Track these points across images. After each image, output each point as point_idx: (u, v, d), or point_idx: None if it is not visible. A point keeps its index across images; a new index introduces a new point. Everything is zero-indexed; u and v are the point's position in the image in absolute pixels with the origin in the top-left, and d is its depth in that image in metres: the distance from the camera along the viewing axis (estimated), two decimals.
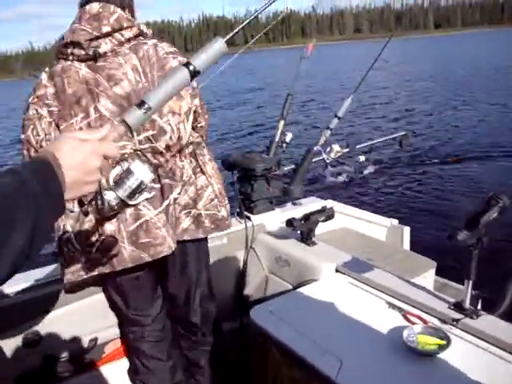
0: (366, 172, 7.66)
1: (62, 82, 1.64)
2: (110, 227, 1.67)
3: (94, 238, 1.69)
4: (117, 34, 1.64)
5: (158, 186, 1.74)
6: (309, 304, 1.85)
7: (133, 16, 1.75)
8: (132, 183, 1.07)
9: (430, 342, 1.49)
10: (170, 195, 1.77)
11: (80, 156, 0.87)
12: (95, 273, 1.75)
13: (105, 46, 1.63)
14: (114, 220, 1.67)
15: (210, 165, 1.92)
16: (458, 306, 1.65)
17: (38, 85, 1.68)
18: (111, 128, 0.98)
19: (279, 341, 1.65)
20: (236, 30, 1.11)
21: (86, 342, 2.27)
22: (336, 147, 2.67)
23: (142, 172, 1.08)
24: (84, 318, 2.22)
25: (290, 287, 2.29)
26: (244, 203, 2.63)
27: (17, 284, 2.09)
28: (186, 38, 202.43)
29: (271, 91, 21.19)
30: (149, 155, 1.72)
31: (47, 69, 1.71)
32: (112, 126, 0.99)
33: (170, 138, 1.73)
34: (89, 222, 1.68)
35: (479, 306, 1.64)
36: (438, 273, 2.62)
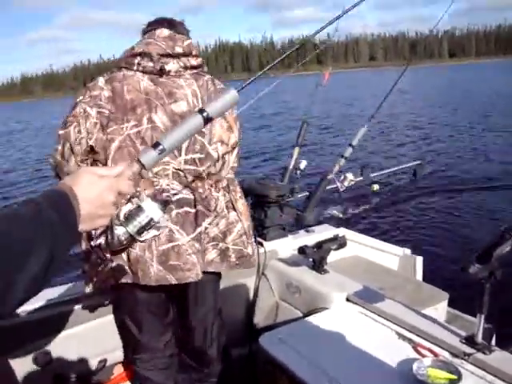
0: (379, 201, 7.63)
1: (122, 87, 1.71)
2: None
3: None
4: (184, 58, 1.78)
5: (193, 210, 1.76)
6: (319, 332, 1.84)
7: None
8: (142, 220, 1.10)
9: (440, 376, 1.47)
10: (203, 223, 1.78)
11: (96, 190, 0.92)
12: (118, 281, 1.75)
13: (172, 65, 1.76)
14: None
15: (241, 201, 1.93)
16: (469, 340, 1.63)
17: (93, 86, 1.74)
18: (127, 166, 1.04)
19: (288, 369, 1.64)
20: (249, 82, 1.22)
21: (95, 363, 2.28)
22: (350, 176, 2.69)
23: (152, 210, 1.11)
24: (94, 338, 2.23)
25: (301, 315, 2.29)
26: (257, 229, 2.65)
27: (29, 303, 2.11)
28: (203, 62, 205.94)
29: (287, 117, 21.35)
30: (189, 177, 1.76)
31: (105, 74, 1.79)
32: (128, 164, 1.04)
33: (214, 165, 1.80)
34: None
35: (493, 341, 1.62)
36: (450, 304, 2.59)
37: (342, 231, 2.95)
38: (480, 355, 1.56)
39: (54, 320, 2.15)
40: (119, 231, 1.09)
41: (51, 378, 2.18)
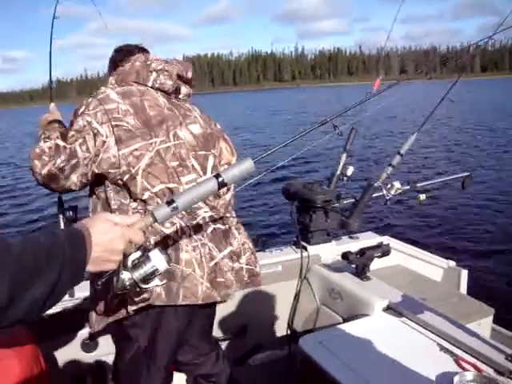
0: (424, 211, 7.48)
1: (142, 102, 1.65)
2: (193, 257, 1.61)
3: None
4: (188, 85, 1.85)
5: (223, 227, 1.74)
6: (359, 339, 1.85)
7: None
8: (148, 269, 1.17)
9: None
10: (233, 241, 1.77)
11: (109, 237, 1.01)
12: (161, 303, 1.58)
13: (183, 88, 1.81)
14: (196, 252, 1.62)
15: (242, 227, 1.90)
16: None
17: (105, 99, 1.62)
18: (140, 218, 1.13)
19: (327, 372, 1.66)
20: (266, 154, 1.34)
21: None
22: (397, 184, 2.67)
23: (158, 260, 1.17)
24: None
25: (341, 320, 2.30)
26: (301, 233, 2.67)
27: (79, 290, 2.20)
28: (235, 71, 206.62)
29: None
30: (211, 197, 1.71)
31: (110, 86, 1.70)
32: (141, 216, 1.12)
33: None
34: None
35: None
36: (495, 320, 2.54)
37: (385, 239, 2.94)
38: None
39: None
40: (125, 276, 1.16)
41: (95, 363, 2.28)
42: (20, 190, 11.89)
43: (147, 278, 1.17)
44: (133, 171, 1.57)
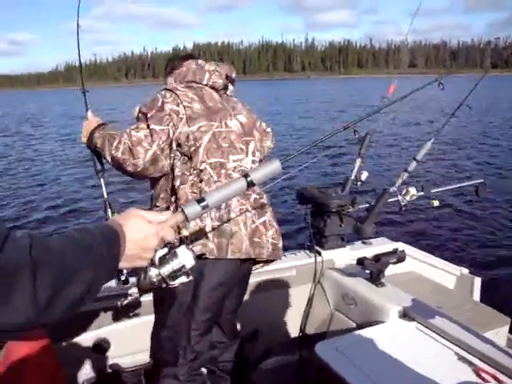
0: (438, 217, 7.43)
1: (202, 95, 2.01)
2: (240, 218, 1.91)
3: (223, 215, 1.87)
4: (232, 84, 2.18)
5: (263, 198, 2.01)
6: (376, 346, 1.83)
7: None
8: (175, 265, 1.17)
9: None
10: (267, 211, 2.02)
11: (143, 235, 1.01)
12: (214, 254, 1.84)
13: (231, 86, 2.17)
14: (242, 215, 1.90)
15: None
16: None
17: (175, 88, 1.97)
18: (172, 215, 1.15)
19: (344, 379, 1.64)
20: (293, 156, 1.43)
21: (149, 356, 2.36)
22: (412, 190, 2.64)
23: (185, 257, 1.18)
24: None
25: (354, 326, 2.28)
26: (315, 237, 2.66)
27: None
28: (246, 61, 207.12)
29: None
30: None
31: (175, 83, 2.07)
32: (172, 213, 1.16)
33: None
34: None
35: None
36: (510, 331, 2.50)
37: (400, 245, 2.92)
38: None
39: (116, 310, 2.24)
40: (152, 273, 1.16)
41: (108, 365, 2.28)
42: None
43: (174, 275, 1.18)
44: (197, 144, 1.90)
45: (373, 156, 12.22)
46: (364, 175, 2.91)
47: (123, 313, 2.27)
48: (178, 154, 1.94)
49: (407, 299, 2.17)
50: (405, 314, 2.08)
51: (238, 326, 2.47)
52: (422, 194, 2.80)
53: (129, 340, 2.29)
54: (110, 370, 2.30)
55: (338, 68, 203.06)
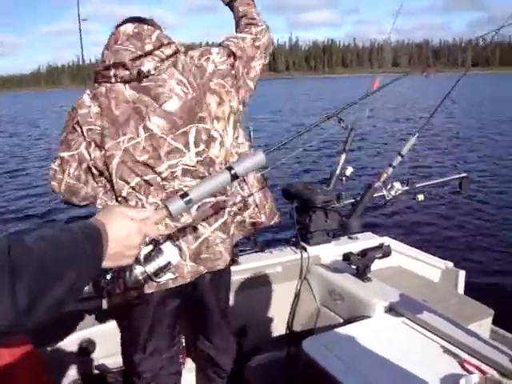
0: (423, 211, 7.50)
1: (109, 102, 1.66)
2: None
3: None
4: (158, 52, 1.68)
5: (212, 199, 1.74)
6: (362, 341, 1.84)
7: None
8: (160, 262, 1.16)
9: None
10: (224, 212, 1.80)
11: (125, 232, 0.98)
12: (153, 289, 1.69)
13: (148, 64, 1.67)
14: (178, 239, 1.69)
15: (252, 174, 1.90)
16: None
17: (80, 104, 1.69)
18: (155, 211, 1.12)
19: (331, 375, 1.65)
20: (276, 146, 1.37)
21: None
22: (397, 185, 2.66)
23: (171, 253, 1.17)
24: None
25: (341, 321, 2.28)
26: (301, 233, 2.66)
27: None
28: None
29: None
30: (201, 168, 1.73)
31: (88, 90, 1.72)
32: (155, 209, 1.12)
33: (220, 143, 1.77)
34: None
35: None
36: (494, 322, 2.53)
37: (385, 240, 2.93)
38: None
39: (101, 310, 2.22)
40: (138, 270, 1.15)
41: (94, 366, 2.25)
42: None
43: (160, 272, 1.16)
44: (109, 170, 1.66)
45: (358, 151, 12.30)
46: (349, 171, 2.92)
47: (107, 313, 2.24)
48: (103, 180, 1.72)
49: (393, 294, 2.18)
50: (391, 309, 2.09)
51: None
52: (407, 188, 2.82)
53: (114, 340, 2.27)
54: (96, 372, 2.27)
55: (322, 67, 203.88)
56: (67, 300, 0.82)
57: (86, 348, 2.24)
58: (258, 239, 2.67)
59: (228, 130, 1.81)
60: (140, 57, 1.66)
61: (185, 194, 1.15)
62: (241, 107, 1.87)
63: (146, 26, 1.71)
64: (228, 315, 2.10)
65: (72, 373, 2.22)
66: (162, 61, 1.69)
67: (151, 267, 1.15)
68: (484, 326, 2.40)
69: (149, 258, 1.16)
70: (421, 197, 2.96)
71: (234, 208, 1.86)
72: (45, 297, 0.76)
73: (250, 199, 1.90)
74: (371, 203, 2.88)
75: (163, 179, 1.68)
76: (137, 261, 1.13)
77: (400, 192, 2.72)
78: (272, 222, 1.98)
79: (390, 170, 2.71)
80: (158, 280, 1.19)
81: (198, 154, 1.72)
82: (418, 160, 11.28)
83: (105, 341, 2.25)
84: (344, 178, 2.91)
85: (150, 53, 1.67)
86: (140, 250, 1.11)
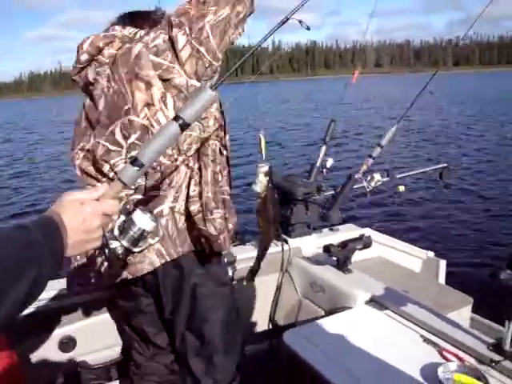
0: (404, 202, 7.57)
1: (80, 113, 1.69)
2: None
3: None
4: (100, 57, 1.58)
5: (139, 197, 1.54)
6: (343, 332, 1.84)
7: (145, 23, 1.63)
8: (134, 232, 1.13)
9: (466, 381, 1.46)
10: (160, 206, 1.54)
11: (80, 218, 0.94)
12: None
13: (91, 73, 1.59)
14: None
15: (210, 169, 1.60)
16: (497, 347, 1.61)
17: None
18: (108, 186, 1.04)
19: (312, 366, 1.65)
20: (224, 77, 1.14)
21: (118, 352, 2.31)
22: (377, 176, 2.67)
23: (143, 221, 1.13)
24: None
25: (323, 313, 2.29)
26: (282, 226, 2.65)
27: (52, 290, 2.14)
28: None
29: (311, 117, 21.29)
30: None
31: None
32: (109, 184, 1.04)
33: (153, 133, 1.52)
34: None
35: None
36: (473, 310, 2.57)
37: (366, 231, 2.94)
38: (508, 363, 1.55)
39: (81, 307, 2.19)
40: (114, 245, 1.12)
41: (75, 363, 2.22)
42: None
43: (137, 241, 1.13)
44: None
45: (338, 143, 12.37)
46: (329, 162, 2.91)
47: (87, 309, 2.21)
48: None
49: (374, 284, 2.20)
50: (372, 300, 2.10)
51: None
52: (387, 179, 2.82)
53: (94, 337, 2.24)
54: (77, 369, 2.24)
55: (305, 69, 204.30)
56: (31, 297, 0.80)
57: (66, 345, 2.21)
58: (239, 232, 2.65)
59: (165, 113, 1.53)
60: (81, 69, 1.61)
61: (135, 160, 1.04)
62: (194, 82, 1.53)
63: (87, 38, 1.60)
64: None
65: (52, 371, 2.19)
66: (102, 65, 1.58)
67: (127, 240, 1.12)
68: (463, 314, 2.43)
69: (123, 230, 1.12)
70: (402, 188, 2.98)
71: (178, 206, 1.59)
72: (5, 297, 0.74)
73: (198, 200, 1.57)
74: (352, 195, 2.89)
75: (111, 179, 1.49)
76: (113, 236, 1.10)
77: (380, 183, 2.73)
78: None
79: (370, 161, 2.72)
80: (138, 250, 1.17)
81: (131, 146, 1.51)
82: (400, 152, 11.40)
83: (85, 338, 2.22)
84: (325, 170, 2.91)
85: (91, 60, 1.58)
86: (113, 224, 1.09)
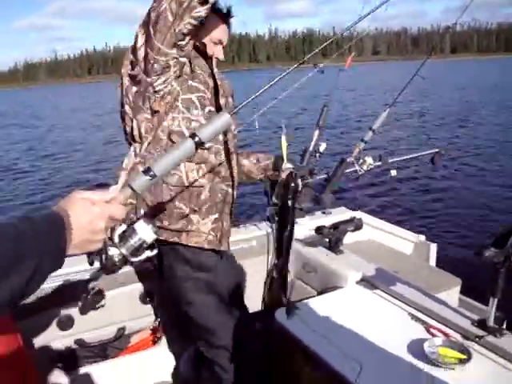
0: (396, 186, 7.63)
1: None
2: None
3: None
4: None
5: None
6: (333, 310, 1.89)
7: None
8: (135, 242, 1.13)
9: (450, 354, 1.52)
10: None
11: (88, 218, 0.95)
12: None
13: None
14: None
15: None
16: (481, 324, 1.67)
17: None
18: (119, 191, 1.07)
19: (303, 343, 1.70)
20: (241, 106, 1.23)
21: (114, 331, 2.37)
22: (369, 160, 2.69)
23: (145, 232, 1.14)
24: (115, 307, 2.31)
25: (315, 293, 2.34)
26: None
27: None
28: None
29: (305, 102, 21.21)
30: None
31: None
32: (120, 189, 1.07)
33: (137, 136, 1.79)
34: None
35: (504, 326, 1.65)
36: (462, 291, 2.62)
37: (358, 214, 2.99)
38: (491, 338, 1.60)
39: (77, 287, 2.23)
40: (113, 252, 1.12)
41: (73, 341, 2.27)
42: None
43: (136, 252, 1.14)
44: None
45: (331, 127, 12.38)
46: (322, 146, 2.91)
47: (85, 289, 2.26)
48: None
49: (365, 265, 2.24)
50: (362, 279, 2.15)
51: None
52: (379, 163, 2.85)
53: (91, 317, 2.28)
54: (75, 346, 2.29)
55: (302, 57, 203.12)
56: (29, 288, 0.82)
57: (65, 323, 2.26)
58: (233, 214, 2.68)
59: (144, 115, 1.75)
60: None
61: (148, 169, 1.10)
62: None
63: None
64: None
65: (51, 347, 2.24)
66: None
67: (126, 248, 1.13)
68: (452, 294, 2.49)
69: (123, 238, 1.13)
70: (394, 172, 2.99)
71: None
72: (4, 286, 0.76)
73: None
74: (345, 178, 2.92)
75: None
76: (112, 242, 1.11)
77: (372, 167, 2.75)
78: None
79: (362, 144, 2.74)
80: (136, 260, 1.16)
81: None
82: (392, 137, 11.44)
83: (82, 317, 2.27)
84: (318, 154, 2.92)
85: None
86: (114, 230, 1.10)
